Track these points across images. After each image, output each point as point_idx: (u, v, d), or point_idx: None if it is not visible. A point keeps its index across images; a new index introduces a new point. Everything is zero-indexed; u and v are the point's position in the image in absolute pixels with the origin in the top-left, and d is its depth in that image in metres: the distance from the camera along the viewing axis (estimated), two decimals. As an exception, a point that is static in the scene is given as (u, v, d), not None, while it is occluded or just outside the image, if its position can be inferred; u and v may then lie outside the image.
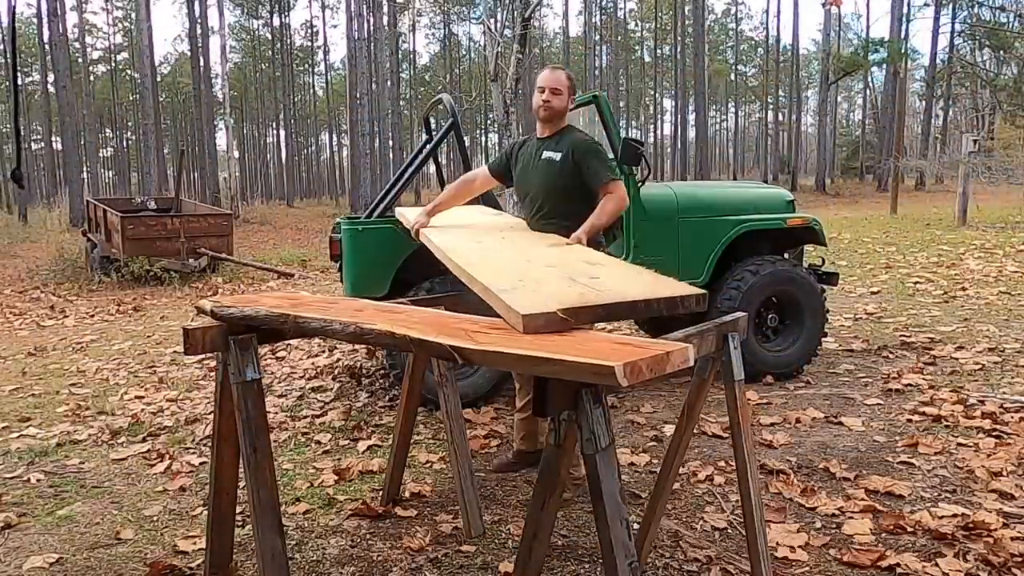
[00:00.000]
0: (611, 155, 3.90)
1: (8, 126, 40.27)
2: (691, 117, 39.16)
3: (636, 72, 54.73)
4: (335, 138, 53.50)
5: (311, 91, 53.64)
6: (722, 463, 3.39)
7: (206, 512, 2.50)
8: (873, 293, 7.68)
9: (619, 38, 51.74)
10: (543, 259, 2.46)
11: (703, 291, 1.86)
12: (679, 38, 42.70)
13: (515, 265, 2.37)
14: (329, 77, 53.15)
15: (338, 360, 5.62)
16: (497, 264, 2.40)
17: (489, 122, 45.81)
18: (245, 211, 25.60)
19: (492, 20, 13.99)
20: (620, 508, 1.59)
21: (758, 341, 4.75)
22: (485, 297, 1.96)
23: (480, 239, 2.96)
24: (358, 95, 24.42)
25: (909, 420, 3.91)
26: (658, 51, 52.69)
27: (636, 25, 54.86)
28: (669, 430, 3.79)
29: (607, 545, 1.57)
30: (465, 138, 5.72)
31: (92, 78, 47.10)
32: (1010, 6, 30.03)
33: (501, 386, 4.48)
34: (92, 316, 8.83)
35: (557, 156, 3.07)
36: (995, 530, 2.64)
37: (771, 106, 45.52)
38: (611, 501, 1.57)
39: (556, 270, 2.23)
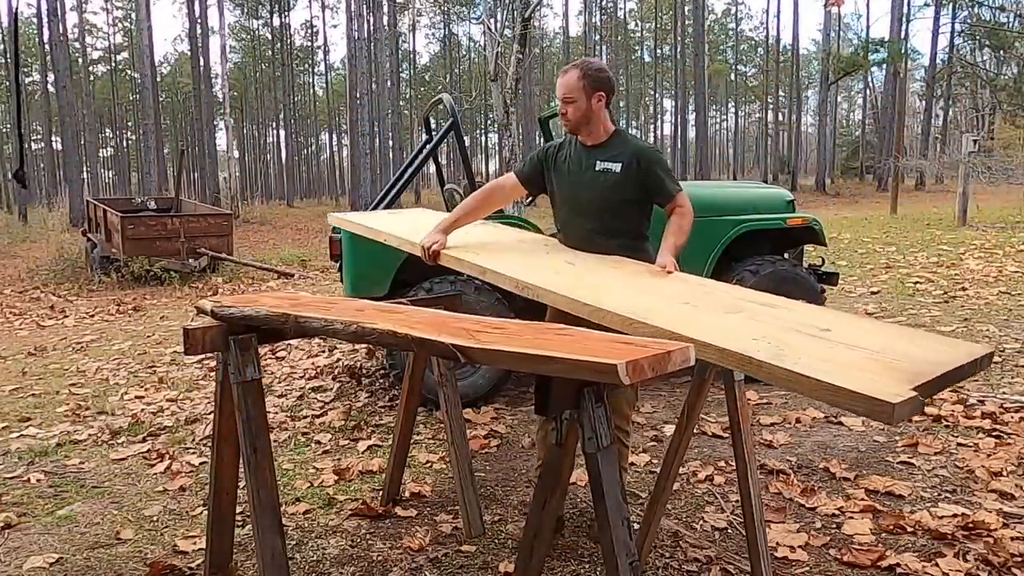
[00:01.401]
0: None
1: (7, 126, 40.29)
2: (691, 117, 39.18)
3: (636, 72, 54.73)
4: (335, 138, 53.51)
5: (311, 91, 53.64)
6: (722, 463, 3.39)
7: (206, 512, 2.50)
8: (873, 293, 7.68)
9: (619, 38, 51.76)
10: (692, 299, 2.16)
11: (992, 350, 1.71)
12: (679, 38, 42.69)
13: (693, 313, 2.01)
14: (329, 77, 53.16)
15: (338, 360, 5.62)
16: (676, 314, 1.98)
17: (489, 122, 45.83)
18: (245, 211, 25.58)
19: (492, 20, 14.00)
20: (621, 508, 1.59)
21: (758, 341, 4.74)
22: (747, 369, 1.60)
23: (556, 268, 2.52)
24: (358, 95, 24.43)
25: (909, 420, 3.91)
26: (658, 51, 52.71)
27: (636, 25, 54.88)
28: (669, 430, 3.79)
29: (608, 545, 1.57)
30: (465, 138, 5.71)
31: (92, 78, 47.10)
32: (1010, 6, 30.06)
33: (501, 386, 4.48)
34: (92, 316, 8.83)
35: (616, 167, 2.68)
36: (995, 530, 2.64)
37: (771, 106, 45.51)
38: (612, 501, 1.57)
39: (748, 318, 1.95)
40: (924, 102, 38.06)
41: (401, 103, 40.43)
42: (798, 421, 3.95)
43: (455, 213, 2.91)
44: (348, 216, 3.59)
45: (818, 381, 1.44)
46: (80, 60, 41.25)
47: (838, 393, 1.40)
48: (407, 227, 3.18)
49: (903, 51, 31.52)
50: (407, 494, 3.17)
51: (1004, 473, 3.15)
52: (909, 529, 2.70)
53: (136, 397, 4.98)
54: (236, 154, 36.05)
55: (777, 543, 2.61)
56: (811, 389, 1.47)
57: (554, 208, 2.93)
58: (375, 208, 4.98)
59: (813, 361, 1.54)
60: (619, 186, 2.69)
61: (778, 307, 2.13)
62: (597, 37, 49.83)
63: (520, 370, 1.52)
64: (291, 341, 6.03)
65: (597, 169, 2.71)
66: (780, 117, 45.13)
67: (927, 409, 3.98)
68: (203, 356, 5.29)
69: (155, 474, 3.54)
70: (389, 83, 34.09)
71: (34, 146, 44.07)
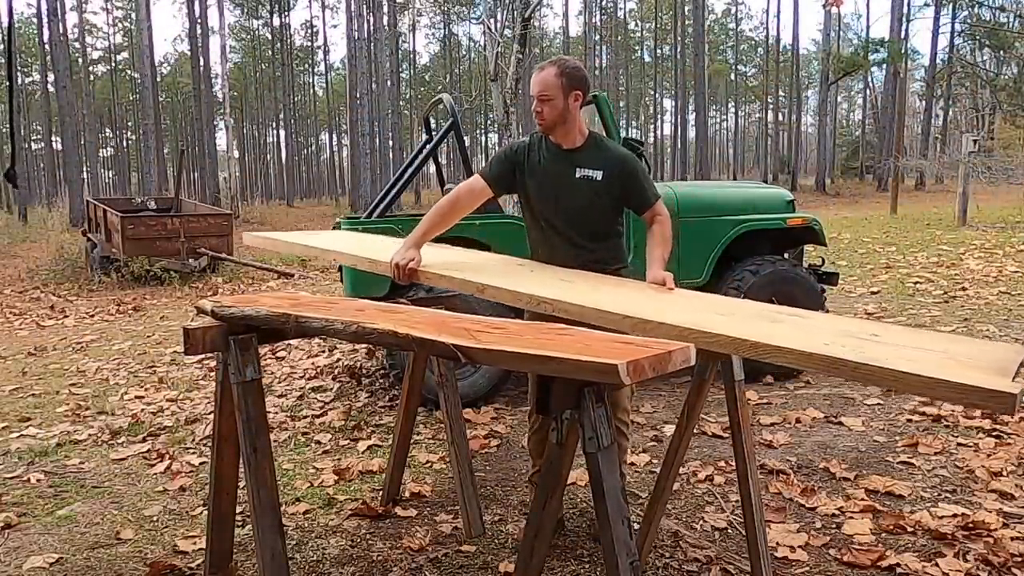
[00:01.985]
0: None
1: (6, 126, 40.32)
2: (691, 117, 39.18)
3: (636, 72, 54.73)
4: (335, 138, 53.51)
5: (311, 91, 53.64)
6: (722, 463, 3.39)
7: (206, 512, 2.50)
8: (873, 293, 7.68)
9: (619, 38, 51.76)
10: (723, 311, 2.16)
11: None
12: (679, 38, 42.71)
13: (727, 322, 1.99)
14: (329, 77, 53.16)
15: (338, 360, 5.62)
16: (720, 324, 1.95)
17: (489, 122, 45.82)
18: (245, 211, 25.59)
19: (492, 20, 14.00)
20: (622, 507, 1.59)
21: (758, 341, 4.74)
22: (835, 371, 1.62)
23: (553, 285, 2.39)
24: (358, 95, 24.45)
25: (909, 420, 3.91)
26: (658, 51, 52.71)
27: (636, 25, 54.89)
28: (669, 430, 3.79)
29: (608, 544, 1.57)
30: (465, 138, 5.71)
31: (92, 78, 47.12)
32: (1010, 6, 30.09)
33: (501, 386, 4.48)
34: (92, 316, 8.83)
35: (597, 175, 2.61)
36: (995, 530, 2.64)
37: (771, 106, 45.53)
38: (613, 500, 1.58)
39: (793, 327, 1.97)
40: (924, 102, 38.07)
41: (401, 103, 40.43)
42: (798, 421, 3.95)
43: (423, 225, 2.70)
44: (269, 235, 3.46)
45: (935, 379, 1.47)
46: (80, 60, 41.27)
47: (955, 389, 1.45)
48: (333, 244, 3.10)
49: (903, 51, 31.55)
50: (407, 494, 3.17)
51: (1004, 473, 3.15)
52: (909, 529, 2.70)
53: (136, 397, 4.98)
54: (236, 154, 36.08)
55: (777, 543, 2.61)
56: (914, 386, 1.52)
57: (527, 210, 2.81)
58: (375, 208, 4.97)
59: (897, 362, 1.56)
60: (601, 194, 2.63)
61: (806, 316, 2.14)
62: (597, 37, 49.83)
63: (521, 370, 1.52)
64: (291, 341, 6.03)
65: (578, 176, 2.63)
66: (780, 117, 45.14)
67: (927, 409, 3.98)
68: (203, 356, 5.29)
69: (155, 474, 3.54)
70: (389, 83, 34.09)
71: (34, 146, 44.10)
